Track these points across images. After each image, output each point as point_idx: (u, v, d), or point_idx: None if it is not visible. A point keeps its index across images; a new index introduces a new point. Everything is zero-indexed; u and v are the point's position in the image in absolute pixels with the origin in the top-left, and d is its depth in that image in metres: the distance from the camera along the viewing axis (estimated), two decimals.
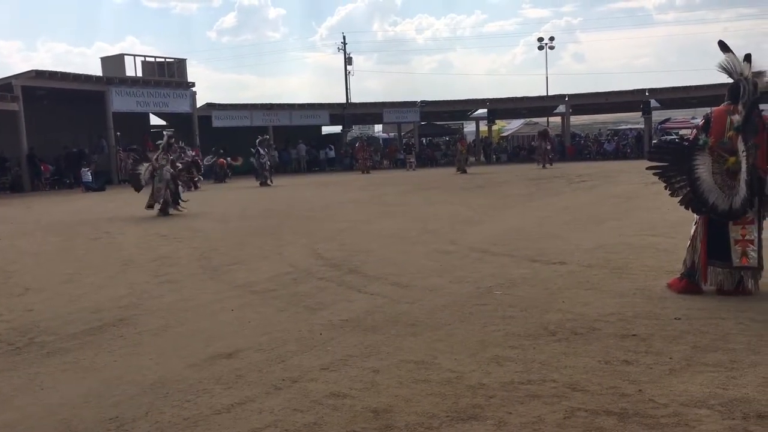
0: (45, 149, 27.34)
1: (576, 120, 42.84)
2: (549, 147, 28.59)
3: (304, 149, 35.85)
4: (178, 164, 14.16)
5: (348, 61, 47.04)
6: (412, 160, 32.83)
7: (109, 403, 3.49)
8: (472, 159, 33.40)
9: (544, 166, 26.91)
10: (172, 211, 13.57)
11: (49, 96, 26.96)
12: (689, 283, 5.30)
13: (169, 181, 13.58)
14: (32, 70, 26.17)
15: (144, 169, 13.76)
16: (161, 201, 13.50)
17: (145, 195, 13.84)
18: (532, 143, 30.32)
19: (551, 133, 32.53)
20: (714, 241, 5.22)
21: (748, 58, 5.10)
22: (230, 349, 4.30)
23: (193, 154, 20.56)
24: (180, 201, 13.83)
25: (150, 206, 13.60)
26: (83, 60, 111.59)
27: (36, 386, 3.83)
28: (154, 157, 13.87)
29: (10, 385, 3.87)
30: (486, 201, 14.63)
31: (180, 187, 14.01)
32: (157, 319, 5.23)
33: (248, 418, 3.22)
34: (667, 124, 40.95)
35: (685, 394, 3.26)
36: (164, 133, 14.51)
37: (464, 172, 25.85)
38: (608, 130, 45.27)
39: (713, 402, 3.15)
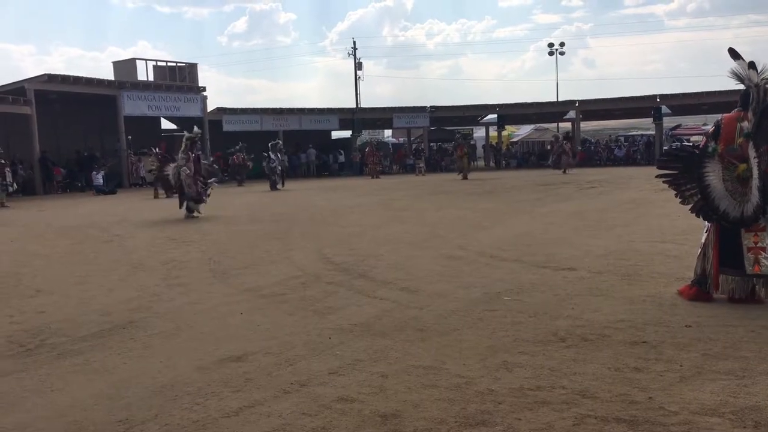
0: (57, 152, 27.56)
1: (586, 126, 42.72)
2: (564, 151, 28.70)
3: (314, 154, 35.94)
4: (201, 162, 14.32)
5: (358, 65, 47.09)
6: (422, 165, 32.84)
7: (118, 405, 3.51)
8: (479, 163, 33.32)
9: (564, 171, 26.92)
10: (196, 213, 13.66)
11: (62, 100, 27.19)
12: (700, 291, 5.27)
13: (189, 179, 13.64)
14: (45, 74, 26.40)
15: (171, 170, 13.91)
16: (185, 201, 13.62)
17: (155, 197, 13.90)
18: (557, 145, 30.00)
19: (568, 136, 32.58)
20: (726, 249, 5.18)
21: (752, 65, 5.07)
22: (239, 353, 4.31)
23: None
24: (204, 199, 13.90)
25: (182, 205, 13.76)
26: (95, 64, 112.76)
27: (47, 388, 3.85)
28: (179, 155, 13.99)
29: (21, 386, 3.89)
30: (495, 206, 14.60)
31: (205, 187, 14.06)
32: (167, 322, 5.26)
33: (257, 421, 3.23)
34: (678, 131, 40.79)
35: (695, 401, 3.24)
36: (184, 135, 14.38)
37: (465, 177, 25.72)
38: (618, 136, 45.12)
39: (724, 410, 3.12)
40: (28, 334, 5.00)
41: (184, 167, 13.59)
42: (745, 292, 5.11)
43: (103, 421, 3.31)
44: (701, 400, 3.25)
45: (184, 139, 14.19)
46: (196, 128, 14.86)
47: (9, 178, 20.23)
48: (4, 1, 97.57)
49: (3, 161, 19.99)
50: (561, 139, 29.60)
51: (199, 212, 13.71)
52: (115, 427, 3.22)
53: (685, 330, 4.47)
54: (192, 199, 13.65)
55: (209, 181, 14.30)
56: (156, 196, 20.32)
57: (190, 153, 13.86)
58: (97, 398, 3.62)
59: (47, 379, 3.99)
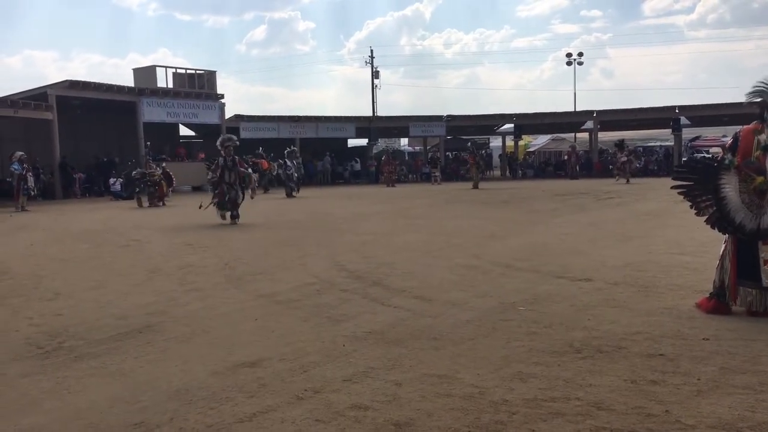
0: (77, 157, 27.92)
1: (604, 136, 42.47)
2: (625, 159, 27.33)
3: (329, 161, 36.10)
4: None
5: (375, 74, 47.38)
6: (437, 173, 32.85)
7: (134, 408, 3.54)
8: (495, 172, 33.09)
9: (627, 181, 26.16)
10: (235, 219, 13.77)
11: (83, 106, 27.57)
12: (718, 303, 5.21)
13: (231, 186, 13.85)
14: (67, 80, 26.80)
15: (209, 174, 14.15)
16: (225, 207, 13.78)
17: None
18: (614, 154, 28.55)
19: (627, 145, 30.05)
20: (744, 261, 5.13)
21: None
22: (253, 358, 4.33)
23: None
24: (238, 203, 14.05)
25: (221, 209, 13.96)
26: (116, 71, 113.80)
27: (64, 390, 3.89)
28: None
29: (39, 388, 3.94)
30: (510, 216, 14.55)
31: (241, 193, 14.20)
32: (183, 326, 5.29)
33: (270, 427, 3.24)
34: (698, 142, 40.45)
35: (712, 416, 3.20)
36: (218, 142, 14.67)
37: (475, 187, 25.63)
38: (637, 147, 44.81)
39: (742, 425, 3.08)
40: (46, 337, 5.06)
41: (213, 176, 13.86)
42: (763, 306, 5.04)
43: (118, 423, 3.34)
44: (718, 414, 3.21)
45: (218, 146, 14.37)
46: (225, 135, 15.04)
47: (31, 182, 20.51)
48: (27, 9, 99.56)
49: (26, 165, 20.29)
50: (624, 152, 28.00)
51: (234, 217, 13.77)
52: (131, 430, 3.25)
53: (702, 343, 4.42)
54: (223, 206, 13.77)
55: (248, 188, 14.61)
56: (140, 205, 20.25)
57: (220, 159, 14.01)
58: (113, 401, 3.65)
59: (64, 381, 4.04)
